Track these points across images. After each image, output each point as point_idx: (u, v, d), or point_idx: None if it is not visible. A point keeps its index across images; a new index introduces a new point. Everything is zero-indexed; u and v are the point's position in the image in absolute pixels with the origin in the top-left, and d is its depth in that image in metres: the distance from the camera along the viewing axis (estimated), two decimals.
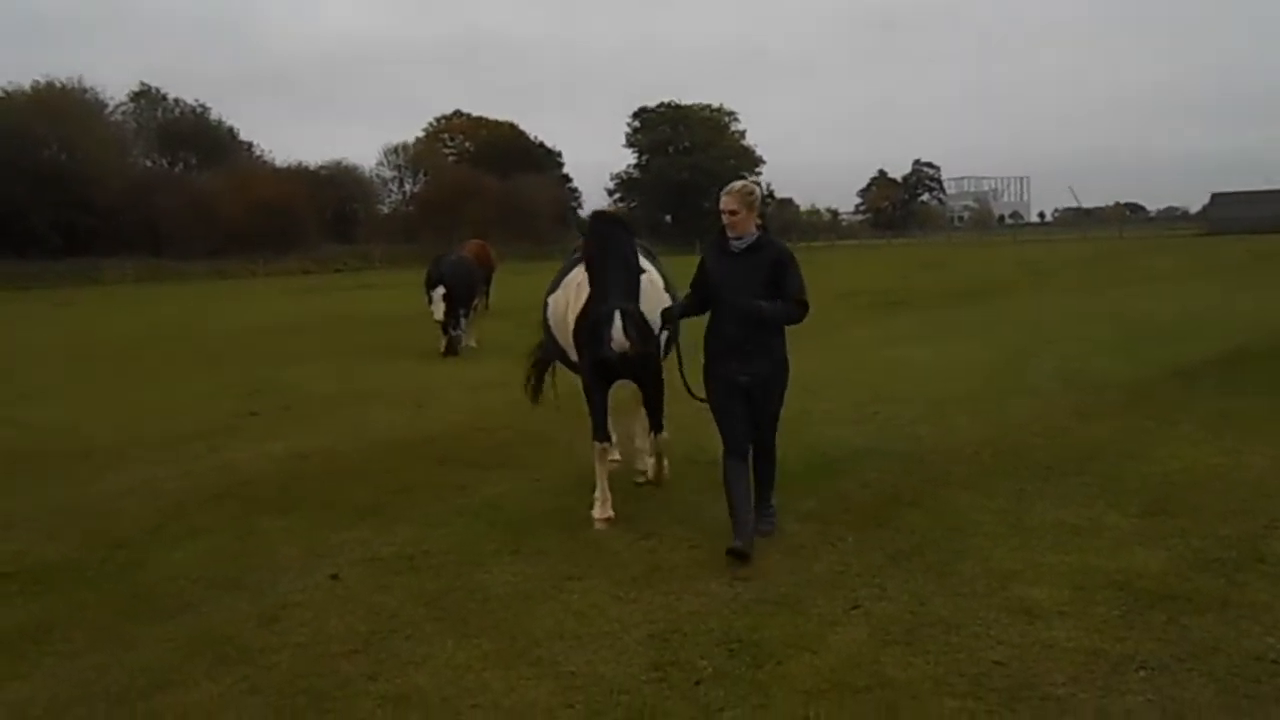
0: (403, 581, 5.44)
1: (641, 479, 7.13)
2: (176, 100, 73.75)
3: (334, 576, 5.53)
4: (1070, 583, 4.90)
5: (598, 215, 6.05)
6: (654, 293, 6.17)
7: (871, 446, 7.94)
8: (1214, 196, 79.39)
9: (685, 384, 5.91)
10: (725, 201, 5.59)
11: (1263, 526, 5.58)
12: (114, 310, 30.41)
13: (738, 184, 5.72)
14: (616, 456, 7.23)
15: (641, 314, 5.67)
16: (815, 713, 3.79)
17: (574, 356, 6.48)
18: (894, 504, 6.38)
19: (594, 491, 6.32)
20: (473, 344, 16.12)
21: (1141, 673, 3.97)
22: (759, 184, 5.95)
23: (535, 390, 7.91)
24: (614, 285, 5.51)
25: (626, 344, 5.32)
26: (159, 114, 72.81)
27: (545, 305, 6.89)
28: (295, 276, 52.54)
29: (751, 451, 5.76)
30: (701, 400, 5.78)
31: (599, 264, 5.61)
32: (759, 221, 5.69)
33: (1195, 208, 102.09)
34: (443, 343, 15.27)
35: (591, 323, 5.69)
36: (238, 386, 13.03)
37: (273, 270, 56.78)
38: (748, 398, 5.64)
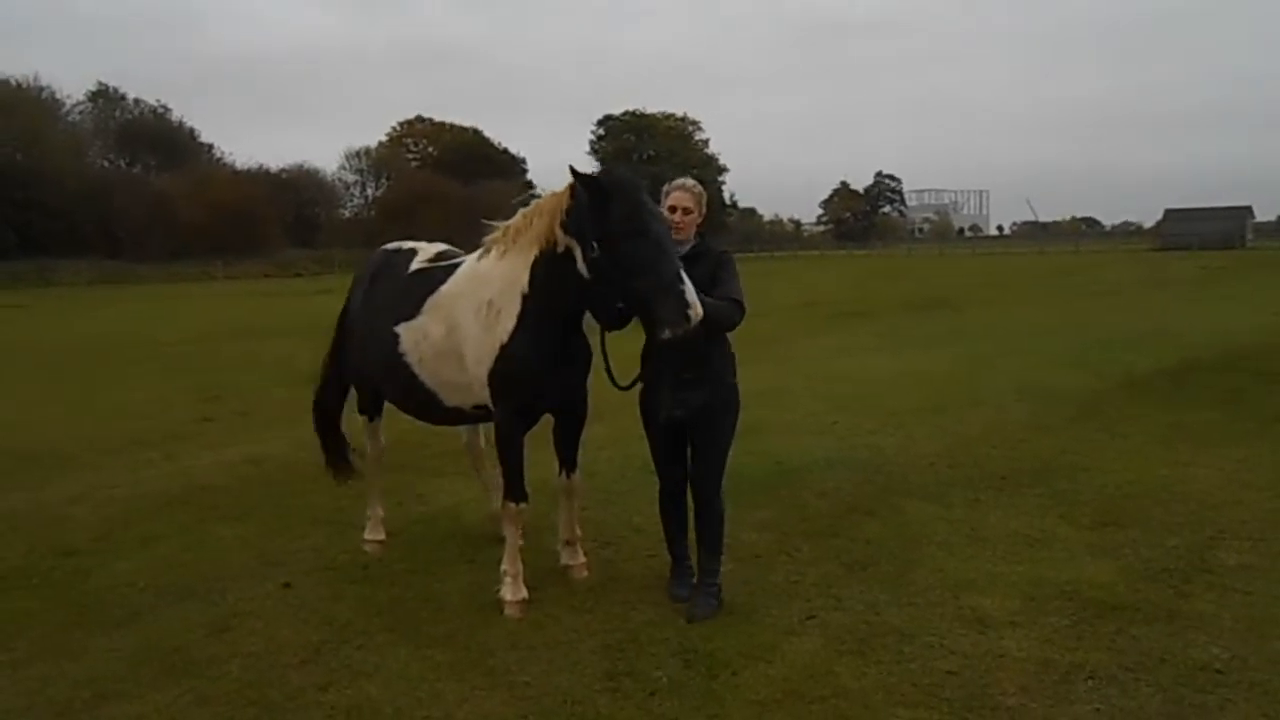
0: (356, 590, 5.38)
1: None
2: (136, 100, 72.87)
3: (286, 585, 5.46)
4: (1022, 593, 4.96)
5: (620, 172, 4.69)
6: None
7: (829, 457, 7.98)
8: (1167, 212, 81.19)
9: (609, 373, 4.96)
10: (678, 198, 4.79)
11: (1209, 538, 5.69)
12: (69, 312, 29.83)
13: (689, 180, 4.93)
14: (380, 537, 6.06)
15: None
16: None
17: (452, 401, 5.26)
18: (851, 514, 6.42)
19: (501, 564, 5.08)
20: None
21: (1090, 682, 4.02)
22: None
23: (339, 460, 6.42)
24: (670, 244, 4.44)
25: (700, 310, 4.27)
26: (118, 114, 71.76)
27: (394, 336, 5.30)
28: (255, 280, 51.92)
29: (694, 505, 5.02)
30: (624, 388, 4.91)
31: (643, 225, 4.35)
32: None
33: (1149, 222, 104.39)
34: None
35: (644, 294, 4.33)
36: (194, 392, 12.82)
37: (232, 274, 56.10)
38: (686, 433, 4.92)
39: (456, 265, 5.34)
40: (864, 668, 4.23)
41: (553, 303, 4.76)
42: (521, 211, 4.91)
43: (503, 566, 5.08)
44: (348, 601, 5.22)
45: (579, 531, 5.54)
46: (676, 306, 4.23)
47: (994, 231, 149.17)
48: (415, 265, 5.53)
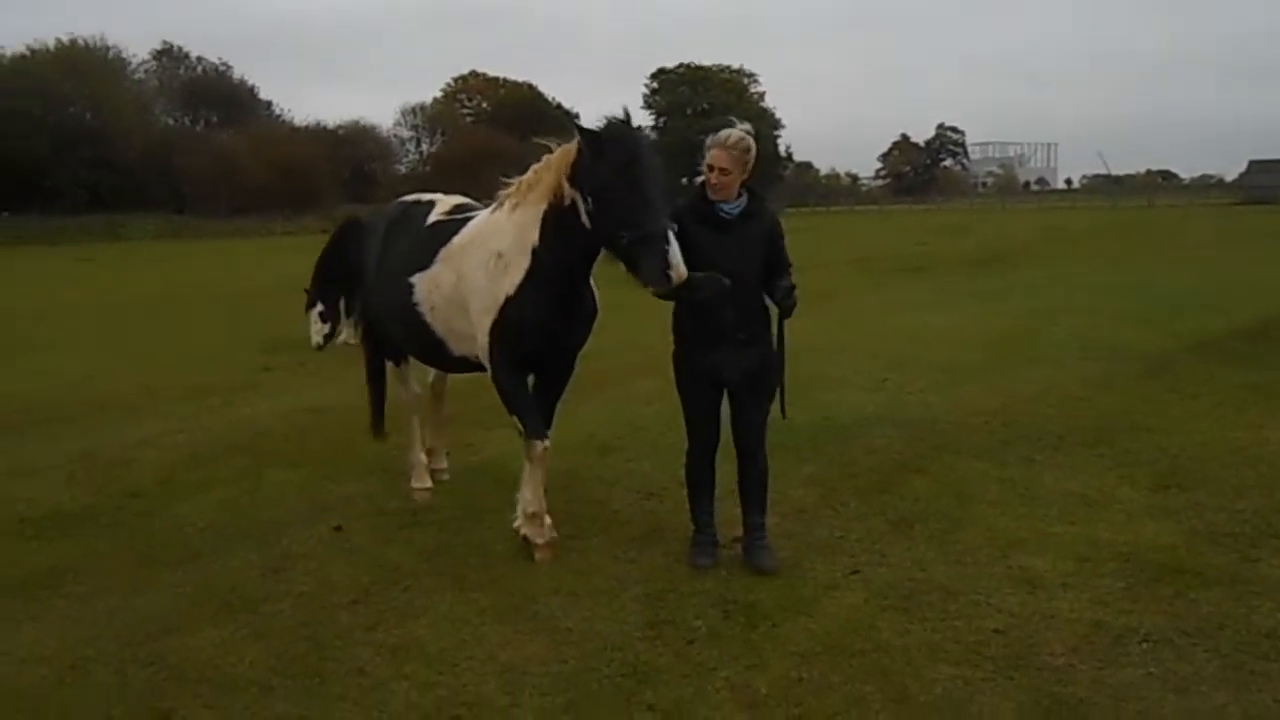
0: (406, 535, 5.49)
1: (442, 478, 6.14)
2: (199, 59, 73.79)
3: (338, 529, 5.59)
4: (1075, 554, 4.85)
5: (620, 123, 4.50)
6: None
7: (881, 413, 7.88)
8: (1250, 163, 77.85)
9: (782, 402, 4.86)
10: (715, 156, 4.54)
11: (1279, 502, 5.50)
12: (135, 266, 30.62)
13: (732, 134, 4.58)
14: (427, 485, 6.20)
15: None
16: (807, 674, 3.80)
17: (459, 350, 5.34)
18: (900, 471, 6.35)
19: (527, 507, 5.05)
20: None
21: (1144, 645, 3.93)
22: (751, 134, 4.73)
23: (378, 417, 6.51)
24: (659, 200, 4.36)
25: (684, 272, 4.24)
26: (181, 72, 72.82)
27: (408, 286, 5.35)
28: (314, 235, 52.41)
29: (739, 463, 4.94)
30: (665, 295, 4.47)
31: (634, 178, 4.32)
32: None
33: (1231, 175, 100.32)
34: (320, 332, 12.17)
35: (631, 246, 4.31)
36: (254, 343, 13.11)
37: (291, 229, 56.83)
38: (730, 395, 4.83)
39: (471, 218, 5.38)
40: (907, 624, 4.19)
41: (561, 257, 4.74)
42: (533, 167, 4.87)
43: (530, 509, 5.03)
44: (397, 546, 5.33)
45: (544, 504, 5.16)
46: (657, 265, 4.20)
47: (1062, 185, 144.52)
48: (433, 218, 5.57)
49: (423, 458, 6.28)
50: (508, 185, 5.06)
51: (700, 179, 4.69)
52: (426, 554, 5.19)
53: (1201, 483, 5.88)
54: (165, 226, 52.57)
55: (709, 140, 4.65)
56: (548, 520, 5.09)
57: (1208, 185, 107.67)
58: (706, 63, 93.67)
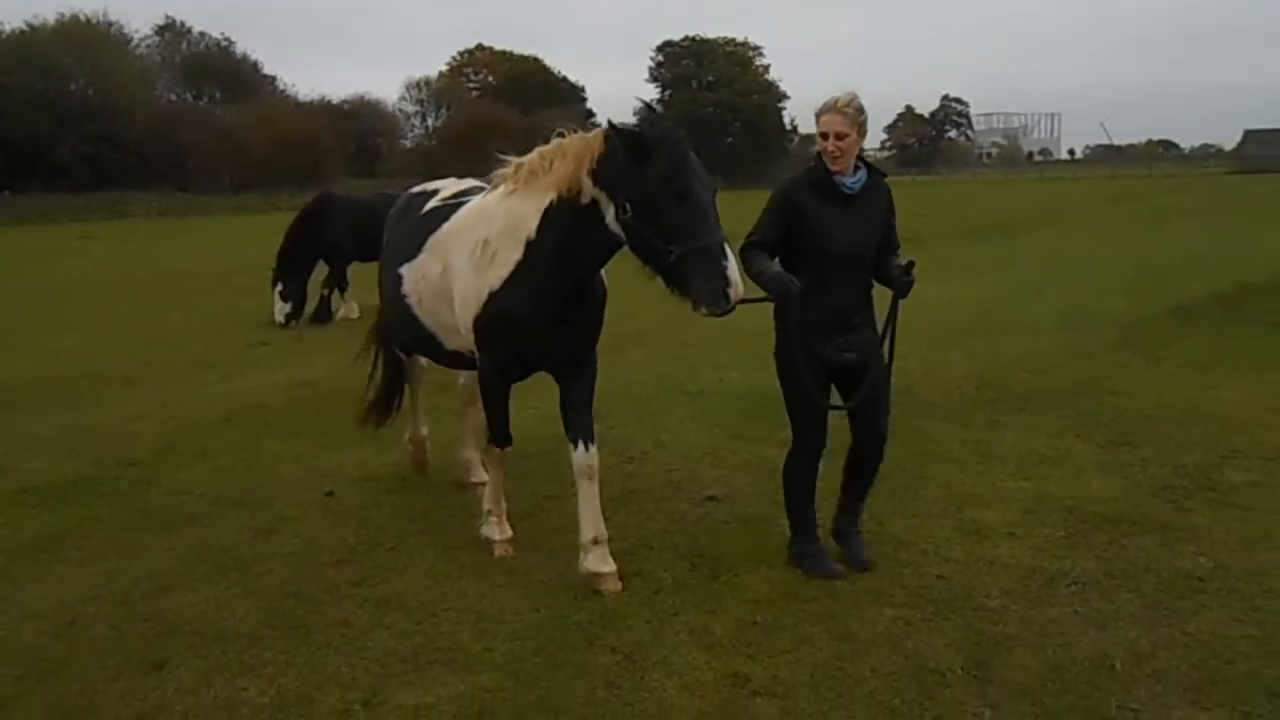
0: (394, 499, 5.75)
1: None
2: (201, 34, 73.76)
3: (329, 494, 5.84)
4: (1024, 507, 5.13)
5: (664, 124, 4.13)
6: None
7: None
8: (1247, 133, 77.75)
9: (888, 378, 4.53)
10: (829, 121, 4.12)
11: (1220, 457, 5.78)
12: (137, 244, 30.82)
13: (841, 96, 4.17)
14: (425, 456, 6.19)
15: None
16: (761, 618, 4.08)
17: (452, 344, 4.95)
18: None
19: (484, 504, 4.98)
20: (354, 315, 13.22)
21: (1073, 588, 4.21)
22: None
23: (385, 408, 6.19)
24: (713, 209, 3.87)
25: (742, 290, 3.81)
26: (184, 47, 72.78)
27: (398, 278, 5.10)
28: None
29: (857, 449, 4.66)
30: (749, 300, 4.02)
31: (684, 185, 3.83)
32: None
33: (1230, 144, 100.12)
34: (282, 311, 12.69)
35: (677, 264, 3.82)
36: (253, 318, 13.33)
37: (296, 205, 56.71)
38: (843, 381, 4.49)
39: (464, 203, 5.02)
40: (859, 573, 4.46)
41: (566, 255, 4.25)
42: (539, 150, 4.35)
43: (485, 506, 4.96)
44: (385, 509, 5.59)
45: (605, 530, 4.56)
46: (715, 283, 3.73)
47: (1065, 156, 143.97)
48: (430, 205, 5.25)
49: (423, 430, 6.28)
50: (504, 165, 4.55)
51: (815, 150, 4.34)
52: (413, 516, 5.45)
53: (1151, 440, 6.16)
54: (169, 204, 52.61)
55: (818, 109, 4.26)
56: (505, 517, 4.98)
57: (1207, 155, 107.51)
58: (711, 35, 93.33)
